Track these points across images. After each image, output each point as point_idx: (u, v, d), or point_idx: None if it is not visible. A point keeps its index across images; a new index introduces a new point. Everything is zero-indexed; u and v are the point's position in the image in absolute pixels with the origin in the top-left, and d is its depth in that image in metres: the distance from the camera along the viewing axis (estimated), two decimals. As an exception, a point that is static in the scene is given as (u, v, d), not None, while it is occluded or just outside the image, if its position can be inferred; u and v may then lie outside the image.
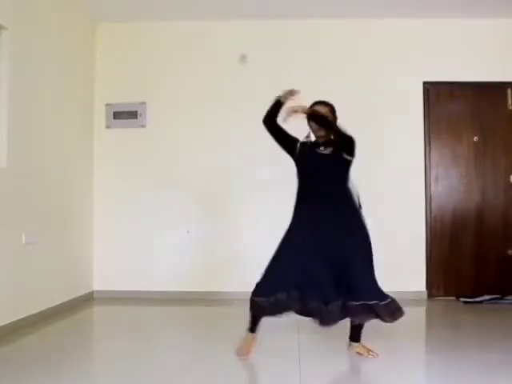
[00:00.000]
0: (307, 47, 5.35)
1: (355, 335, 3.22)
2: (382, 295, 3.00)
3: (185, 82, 5.43)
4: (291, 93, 3.23)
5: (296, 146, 3.27)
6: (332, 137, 3.19)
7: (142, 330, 4.09)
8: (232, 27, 5.39)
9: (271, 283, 3.05)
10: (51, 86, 4.58)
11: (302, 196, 3.21)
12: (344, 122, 5.54)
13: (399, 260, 5.11)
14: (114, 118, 5.45)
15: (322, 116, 3.16)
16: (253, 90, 5.27)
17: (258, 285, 3.12)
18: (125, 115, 5.44)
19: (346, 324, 3.15)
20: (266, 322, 3.18)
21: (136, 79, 5.46)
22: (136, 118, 5.43)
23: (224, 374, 2.95)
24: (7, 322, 3.78)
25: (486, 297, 5.02)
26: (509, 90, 5.31)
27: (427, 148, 5.33)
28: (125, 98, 5.44)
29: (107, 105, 5.45)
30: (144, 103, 5.42)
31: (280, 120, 3.22)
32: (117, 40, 5.52)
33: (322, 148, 3.22)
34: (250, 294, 3.12)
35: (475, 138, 5.32)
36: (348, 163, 3.18)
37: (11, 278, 3.90)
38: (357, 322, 3.12)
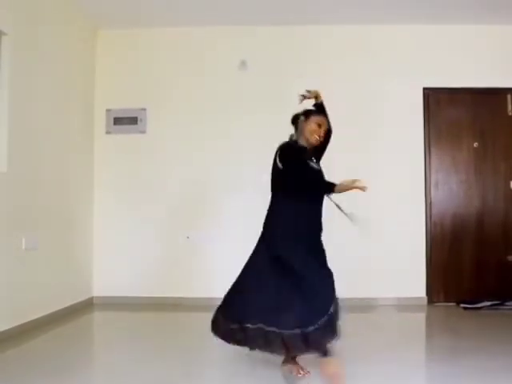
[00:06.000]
0: (307, 54, 5.36)
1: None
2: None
3: (185, 88, 5.44)
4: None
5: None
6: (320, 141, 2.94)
7: (141, 335, 4.08)
8: (232, 33, 5.41)
9: None
10: (52, 91, 4.59)
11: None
12: (344, 128, 5.56)
13: (399, 266, 5.11)
14: (115, 123, 5.46)
15: (324, 110, 3.02)
16: (253, 96, 5.29)
17: None
18: (125, 121, 5.45)
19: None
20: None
21: (136, 85, 5.47)
22: (136, 123, 5.44)
23: (223, 380, 2.94)
24: (7, 327, 3.78)
25: (486, 303, 5.01)
26: (508, 96, 5.32)
27: (427, 154, 5.34)
28: (125, 104, 5.45)
29: (108, 110, 5.46)
30: (144, 109, 5.43)
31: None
32: (117, 46, 5.53)
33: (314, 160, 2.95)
34: None
35: (475, 144, 5.33)
36: None
37: (11, 284, 3.89)
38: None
